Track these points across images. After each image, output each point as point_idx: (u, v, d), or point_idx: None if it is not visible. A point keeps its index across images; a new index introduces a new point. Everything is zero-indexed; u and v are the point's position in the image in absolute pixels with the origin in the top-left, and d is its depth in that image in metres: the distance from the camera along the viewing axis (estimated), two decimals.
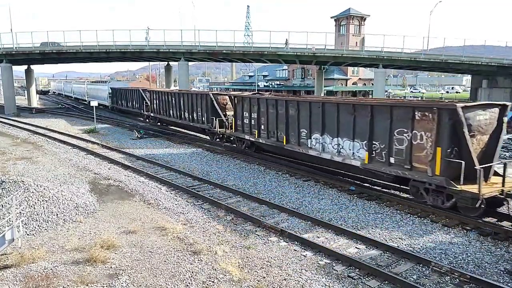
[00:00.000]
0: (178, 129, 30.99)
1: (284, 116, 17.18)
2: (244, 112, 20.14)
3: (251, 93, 23.21)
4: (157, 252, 9.22)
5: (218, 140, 24.13)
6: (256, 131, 19.29)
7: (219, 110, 23.27)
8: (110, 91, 48.58)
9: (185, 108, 27.23)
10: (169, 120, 30.63)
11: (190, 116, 26.71)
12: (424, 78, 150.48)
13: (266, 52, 45.04)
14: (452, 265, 8.69)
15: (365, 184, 14.96)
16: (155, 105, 33.13)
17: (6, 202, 10.37)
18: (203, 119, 24.89)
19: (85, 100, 61.06)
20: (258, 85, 74.88)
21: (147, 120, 35.85)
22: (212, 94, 24.04)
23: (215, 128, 23.18)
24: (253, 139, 19.65)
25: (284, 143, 17.38)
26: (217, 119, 22.99)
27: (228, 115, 22.83)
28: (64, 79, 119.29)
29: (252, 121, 19.56)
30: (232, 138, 22.23)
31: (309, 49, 44.40)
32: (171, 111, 29.78)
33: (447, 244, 9.85)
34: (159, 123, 33.49)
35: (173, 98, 29.04)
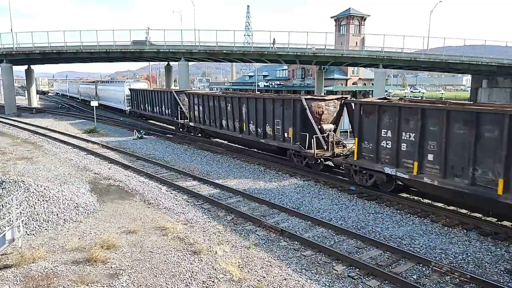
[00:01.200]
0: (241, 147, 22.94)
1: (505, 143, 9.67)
2: (382, 130, 13.19)
3: (378, 98, 16.23)
4: (157, 252, 9.23)
5: (307, 166, 17.10)
6: (414, 163, 12.03)
7: (313, 124, 16.59)
8: (129, 93, 42.13)
9: (251, 119, 20.02)
10: (221, 133, 23.44)
11: (260, 130, 19.44)
12: (424, 78, 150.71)
13: (266, 52, 45.10)
14: (452, 265, 8.71)
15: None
16: (196, 112, 26.06)
17: (6, 202, 10.37)
18: (286, 135, 17.72)
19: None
20: (258, 85, 74.89)
21: (181, 130, 30.16)
22: (305, 99, 16.92)
23: (309, 149, 16.37)
24: (403, 175, 12.51)
25: (500, 193, 9.84)
26: (313, 137, 16.25)
27: (325, 130, 16.66)
28: (64, 79, 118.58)
29: (403, 145, 12.46)
30: (345, 167, 15.32)
31: (309, 49, 44.44)
32: (223, 121, 22.75)
33: (447, 244, 9.87)
34: (200, 135, 26.99)
35: (229, 104, 21.80)
